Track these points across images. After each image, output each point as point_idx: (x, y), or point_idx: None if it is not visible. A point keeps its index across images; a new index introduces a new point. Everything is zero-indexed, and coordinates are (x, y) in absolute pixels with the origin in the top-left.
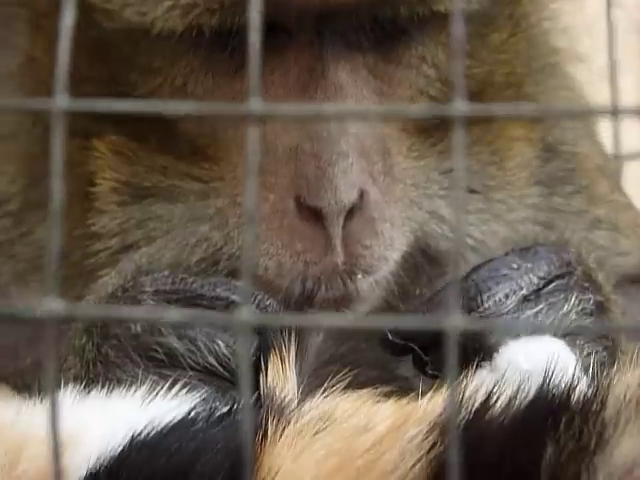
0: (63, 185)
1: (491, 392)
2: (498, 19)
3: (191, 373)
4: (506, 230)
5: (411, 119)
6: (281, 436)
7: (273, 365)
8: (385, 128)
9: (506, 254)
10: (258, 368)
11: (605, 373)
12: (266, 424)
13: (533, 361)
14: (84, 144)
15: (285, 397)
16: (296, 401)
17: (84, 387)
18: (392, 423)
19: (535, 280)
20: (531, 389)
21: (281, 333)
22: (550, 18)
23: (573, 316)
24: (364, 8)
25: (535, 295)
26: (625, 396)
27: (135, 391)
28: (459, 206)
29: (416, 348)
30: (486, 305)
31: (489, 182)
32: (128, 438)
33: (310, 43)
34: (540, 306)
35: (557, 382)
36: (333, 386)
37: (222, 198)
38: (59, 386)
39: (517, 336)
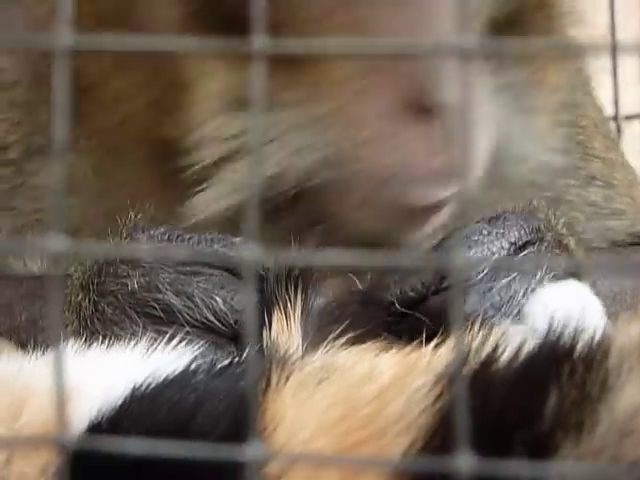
0: (66, 125)
1: (498, 342)
2: None
3: (189, 329)
4: (541, 155)
5: None
6: (284, 385)
7: (278, 320)
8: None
9: (476, 222)
10: (262, 323)
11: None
12: (269, 373)
13: (560, 306)
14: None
15: (289, 350)
16: (300, 354)
17: (83, 342)
18: (396, 373)
19: (506, 245)
20: (537, 339)
21: (287, 289)
22: None
23: (545, 282)
24: None
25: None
26: (628, 345)
27: (135, 345)
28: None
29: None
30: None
31: (531, 102)
32: (129, 390)
33: None
34: (513, 274)
35: (562, 331)
36: (336, 341)
37: (327, 103)
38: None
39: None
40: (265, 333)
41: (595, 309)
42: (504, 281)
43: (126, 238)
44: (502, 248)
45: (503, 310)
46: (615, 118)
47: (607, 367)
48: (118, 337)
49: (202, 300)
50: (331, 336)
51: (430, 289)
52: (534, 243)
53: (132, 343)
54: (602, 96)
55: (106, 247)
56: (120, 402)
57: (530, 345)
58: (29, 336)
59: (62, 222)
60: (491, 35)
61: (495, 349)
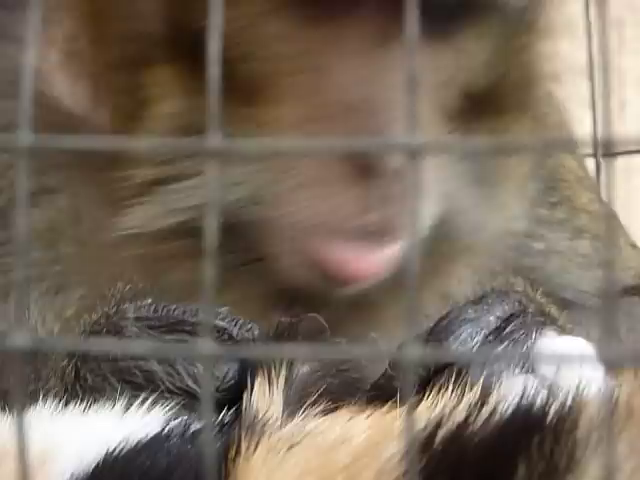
0: (27, 222)
1: (472, 406)
2: (525, 23)
3: (168, 395)
4: (502, 224)
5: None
6: (254, 452)
7: (260, 385)
8: (434, 94)
9: (461, 305)
10: (244, 387)
11: (579, 391)
12: (239, 440)
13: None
14: (143, 70)
15: (266, 416)
16: (277, 421)
17: (62, 406)
18: (370, 437)
19: (493, 319)
20: (510, 405)
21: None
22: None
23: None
24: None
25: (496, 335)
26: (597, 416)
27: (111, 409)
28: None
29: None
30: (453, 347)
31: (493, 174)
32: (102, 454)
33: (379, 8)
34: (504, 344)
35: (534, 398)
36: (313, 407)
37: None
38: (26, 415)
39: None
40: (245, 397)
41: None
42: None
43: (113, 309)
44: (490, 322)
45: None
46: (594, 155)
47: (576, 438)
48: (98, 403)
49: (184, 367)
50: (308, 403)
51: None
52: (518, 315)
53: (108, 407)
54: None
55: (70, 341)
56: (93, 467)
57: (503, 410)
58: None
59: (25, 317)
60: (464, 111)
61: (468, 414)
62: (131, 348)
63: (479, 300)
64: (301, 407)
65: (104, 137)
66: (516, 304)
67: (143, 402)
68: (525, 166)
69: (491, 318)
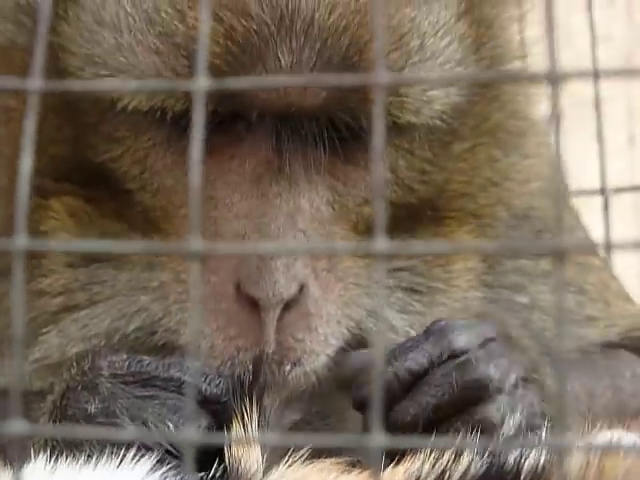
0: (24, 321)
1: (448, 463)
2: (462, 130)
3: (145, 453)
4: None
5: (363, 218)
6: None
7: (236, 434)
8: (334, 226)
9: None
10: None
11: (552, 452)
12: None
13: None
14: (40, 202)
15: (250, 467)
16: (261, 471)
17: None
18: None
19: (481, 332)
20: (484, 463)
21: (242, 401)
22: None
23: (516, 368)
24: (324, 114)
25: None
26: (569, 476)
27: (102, 463)
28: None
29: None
30: (456, 341)
31: (433, 283)
32: None
33: (269, 137)
34: (500, 349)
35: (507, 456)
36: (296, 454)
37: (167, 272)
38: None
39: None
40: (226, 451)
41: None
42: None
43: (88, 364)
44: (478, 336)
45: None
46: (602, 192)
47: None
48: (77, 459)
49: (155, 426)
50: (291, 450)
51: None
52: (494, 339)
53: (99, 461)
54: (589, 166)
55: (62, 429)
56: None
57: (477, 466)
58: None
59: (20, 405)
60: (404, 220)
61: (444, 470)
62: (118, 435)
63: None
64: (282, 452)
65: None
66: (495, 329)
67: (126, 457)
68: (470, 274)
69: (479, 330)
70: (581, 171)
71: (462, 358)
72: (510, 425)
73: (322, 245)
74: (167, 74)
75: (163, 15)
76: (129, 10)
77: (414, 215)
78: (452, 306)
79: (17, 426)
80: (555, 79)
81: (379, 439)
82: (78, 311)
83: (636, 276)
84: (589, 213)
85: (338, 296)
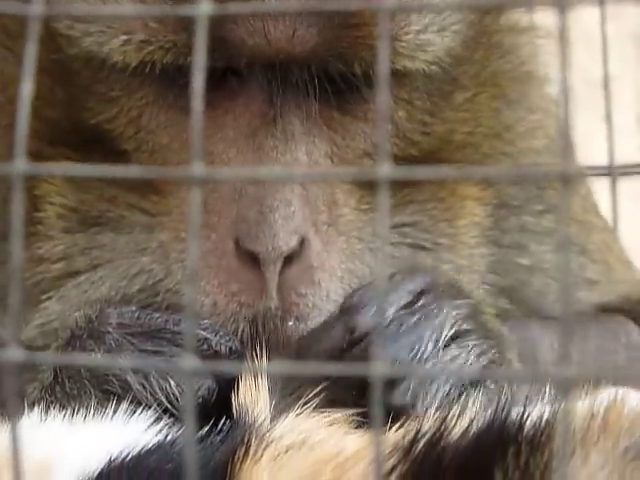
0: (22, 247)
1: (446, 419)
2: (462, 78)
3: (144, 408)
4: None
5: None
6: (261, 456)
7: (245, 385)
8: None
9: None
10: (229, 390)
11: (555, 403)
12: (248, 443)
13: None
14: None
15: (258, 417)
16: (269, 419)
17: (45, 412)
18: (359, 448)
19: (403, 294)
20: (486, 417)
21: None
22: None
23: (448, 324)
24: (315, 61)
25: (408, 308)
26: (572, 428)
27: (109, 416)
28: (382, 265)
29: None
30: (362, 321)
31: (439, 239)
32: (106, 461)
33: (262, 89)
34: (415, 317)
35: (509, 411)
36: (305, 404)
37: (166, 232)
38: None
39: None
40: (234, 399)
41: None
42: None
43: (95, 312)
44: (400, 297)
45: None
46: (609, 167)
47: (551, 449)
48: (74, 409)
49: (157, 380)
50: (302, 399)
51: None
52: (430, 291)
53: (102, 415)
54: (596, 146)
55: (60, 357)
56: (97, 474)
57: (480, 422)
58: None
59: (19, 334)
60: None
61: (447, 425)
62: (118, 363)
63: (389, 277)
64: (289, 404)
65: (91, 165)
66: (427, 280)
67: (125, 411)
68: (477, 229)
69: (401, 293)
70: (589, 151)
71: (362, 345)
72: (426, 402)
73: (322, 171)
74: (153, 23)
75: None
76: None
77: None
78: (458, 263)
79: (14, 353)
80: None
81: (381, 367)
82: (79, 276)
83: None
84: (597, 192)
85: (340, 250)
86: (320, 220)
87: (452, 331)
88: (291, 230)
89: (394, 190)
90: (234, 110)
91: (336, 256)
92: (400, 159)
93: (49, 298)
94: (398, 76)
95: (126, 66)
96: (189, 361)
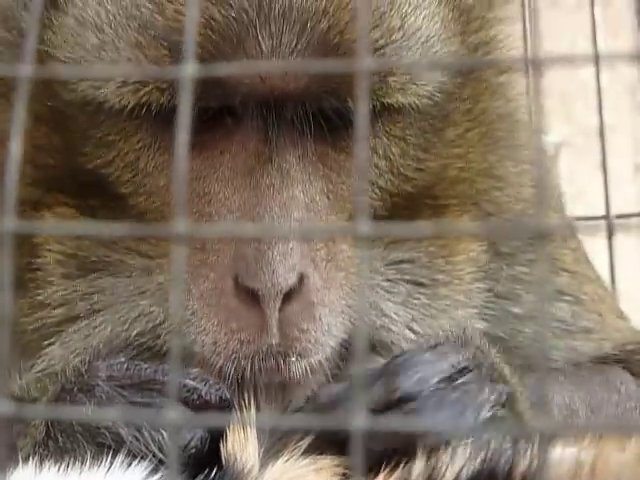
0: (10, 296)
1: (436, 465)
2: (453, 114)
3: (134, 458)
4: (450, 326)
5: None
6: None
7: (233, 433)
8: (330, 216)
9: (415, 351)
10: (218, 438)
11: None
12: None
13: None
14: (32, 214)
15: (246, 463)
16: (257, 466)
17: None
18: None
19: (447, 367)
20: (476, 465)
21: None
22: (517, 95)
23: (487, 406)
24: (309, 98)
25: (448, 383)
26: (559, 475)
27: (104, 468)
28: (361, 320)
29: None
30: (406, 384)
31: (436, 275)
32: None
33: (257, 128)
34: (456, 394)
35: (499, 458)
36: (292, 450)
37: (165, 274)
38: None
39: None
40: (222, 446)
41: None
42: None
43: (84, 365)
44: (443, 369)
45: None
46: (606, 217)
47: None
48: (68, 462)
49: (149, 432)
50: (290, 445)
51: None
52: (472, 370)
53: (89, 467)
54: (593, 194)
55: (50, 410)
56: None
57: (469, 469)
58: None
59: (6, 388)
60: (402, 209)
61: (437, 472)
62: (107, 415)
63: (435, 346)
64: (280, 447)
65: (82, 223)
66: (471, 357)
67: (116, 463)
68: (473, 266)
69: (445, 365)
70: (587, 199)
71: (406, 407)
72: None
73: (306, 226)
74: (148, 64)
75: (142, 9)
76: (109, 8)
77: (413, 205)
78: (456, 298)
79: (3, 407)
80: (536, 65)
81: (361, 420)
82: (79, 321)
83: None
84: (595, 241)
85: (340, 286)
86: (319, 256)
87: (489, 414)
88: (290, 267)
89: (399, 218)
90: (230, 149)
91: (335, 291)
92: (395, 196)
93: (51, 344)
94: (391, 112)
95: (122, 109)
96: (173, 413)
